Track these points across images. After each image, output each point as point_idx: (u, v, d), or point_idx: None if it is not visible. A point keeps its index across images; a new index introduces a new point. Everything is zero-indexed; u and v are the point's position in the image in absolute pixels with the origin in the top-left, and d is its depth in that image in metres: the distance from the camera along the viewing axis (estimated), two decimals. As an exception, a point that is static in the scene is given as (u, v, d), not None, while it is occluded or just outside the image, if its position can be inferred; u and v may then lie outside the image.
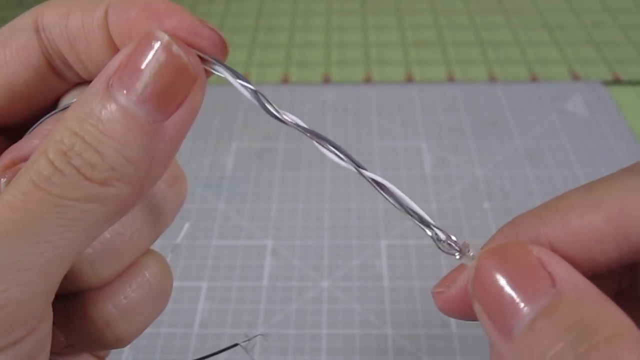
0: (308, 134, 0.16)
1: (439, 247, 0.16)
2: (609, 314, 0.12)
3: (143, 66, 0.14)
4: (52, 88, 0.17)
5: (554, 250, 0.15)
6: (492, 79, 0.55)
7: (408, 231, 0.41)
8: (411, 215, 0.16)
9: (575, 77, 0.54)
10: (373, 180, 0.16)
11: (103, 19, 0.16)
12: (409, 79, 0.55)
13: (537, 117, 0.50)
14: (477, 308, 0.14)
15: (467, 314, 0.16)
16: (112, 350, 0.33)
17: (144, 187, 0.15)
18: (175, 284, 0.40)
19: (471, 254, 0.16)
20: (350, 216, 0.42)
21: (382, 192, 0.16)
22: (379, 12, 0.66)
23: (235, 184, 0.45)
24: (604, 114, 0.50)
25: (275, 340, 0.35)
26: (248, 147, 0.48)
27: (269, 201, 0.44)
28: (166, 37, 0.14)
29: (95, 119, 0.13)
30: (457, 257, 0.16)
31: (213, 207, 0.43)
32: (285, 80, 0.56)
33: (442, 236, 0.16)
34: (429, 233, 0.16)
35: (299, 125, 0.15)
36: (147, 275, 0.19)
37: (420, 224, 0.16)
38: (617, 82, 0.54)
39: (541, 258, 0.14)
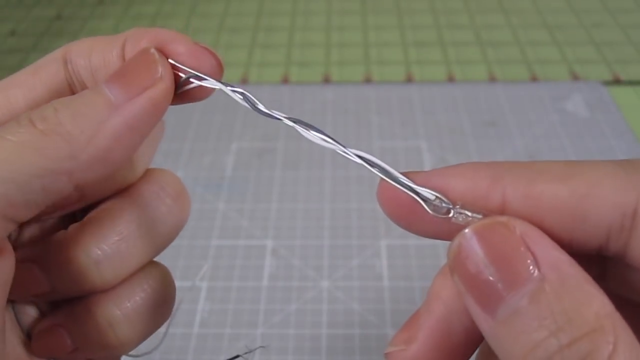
0: (290, 122, 0.17)
1: (429, 210, 0.16)
2: (592, 303, 0.13)
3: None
4: None
5: (506, 206, 0.15)
6: (492, 79, 0.55)
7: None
8: (400, 185, 0.16)
9: (575, 77, 0.54)
10: (358, 156, 0.16)
11: (121, 51, 0.18)
12: (409, 79, 0.56)
13: (537, 117, 0.50)
14: (459, 285, 0.14)
15: None
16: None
17: (82, 157, 0.16)
18: (176, 283, 0.40)
19: (464, 213, 0.15)
20: (350, 216, 0.42)
21: (369, 166, 0.16)
22: (379, 12, 0.66)
23: (235, 184, 0.45)
24: (604, 114, 0.50)
25: (275, 340, 0.35)
26: (248, 147, 0.48)
27: (269, 201, 0.44)
28: (152, 47, 0.17)
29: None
30: (451, 215, 0.15)
31: (213, 207, 0.44)
32: (285, 80, 0.56)
33: (432, 197, 0.16)
34: (419, 198, 0.16)
35: (283, 117, 0.17)
36: (151, 282, 0.20)
37: (409, 192, 0.16)
38: (617, 82, 0.54)
39: (525, 237, 0.14)
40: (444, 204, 0.15)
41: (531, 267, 0.13)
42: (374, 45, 0.61)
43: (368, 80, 0.56)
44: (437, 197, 0.15)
